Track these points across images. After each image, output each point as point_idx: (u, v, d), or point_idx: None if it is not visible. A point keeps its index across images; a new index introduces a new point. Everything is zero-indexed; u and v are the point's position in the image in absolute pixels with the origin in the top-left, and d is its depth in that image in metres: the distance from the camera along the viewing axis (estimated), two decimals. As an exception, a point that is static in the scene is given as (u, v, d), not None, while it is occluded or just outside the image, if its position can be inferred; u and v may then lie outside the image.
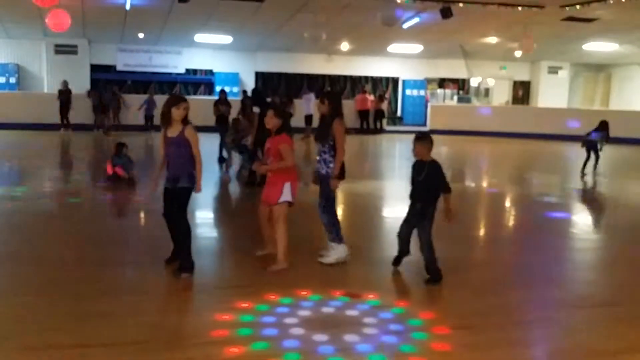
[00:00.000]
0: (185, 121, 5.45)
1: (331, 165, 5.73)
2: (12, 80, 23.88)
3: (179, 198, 5.47)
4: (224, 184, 11.38)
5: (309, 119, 21.21)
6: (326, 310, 4.76)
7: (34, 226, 7.58)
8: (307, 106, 21.47)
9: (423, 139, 5.52)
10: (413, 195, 5.56)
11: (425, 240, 5.49)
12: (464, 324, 4.58)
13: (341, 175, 5.85)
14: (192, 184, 5.49)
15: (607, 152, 13.68)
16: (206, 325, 4.41)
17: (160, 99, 23.50)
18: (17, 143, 17.35)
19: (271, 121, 5.71)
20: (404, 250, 5.75)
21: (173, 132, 5.44)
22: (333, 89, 27.86)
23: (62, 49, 23.90)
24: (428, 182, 5.45)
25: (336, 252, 5.87)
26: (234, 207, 9.92)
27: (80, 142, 18.24)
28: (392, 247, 5.86)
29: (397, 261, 5.82)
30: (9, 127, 20.39)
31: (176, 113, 5.37)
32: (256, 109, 11.24)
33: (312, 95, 21.87)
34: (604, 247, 7.53)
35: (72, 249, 6.36)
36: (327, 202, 5.84)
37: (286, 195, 5.63)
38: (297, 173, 5.86)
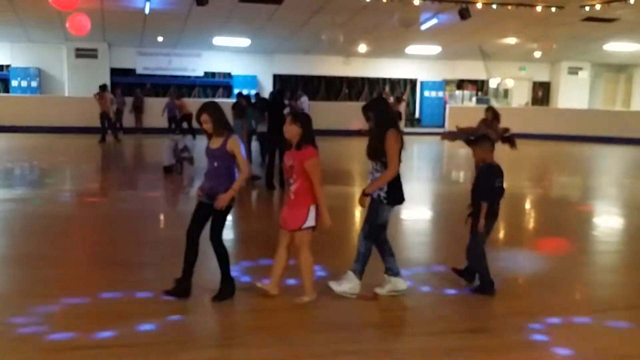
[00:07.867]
0: (221, 129, 4.84)
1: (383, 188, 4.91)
2: (34, 84, 24.14)
3: (214, 216, 4.85)
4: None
5: None
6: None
7: (55, 227, 7.66)
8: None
9: (480, 141, 5.27)
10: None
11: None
12: (480, 327, 4.55)
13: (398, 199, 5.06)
14: (231, 201, 4.84)
15: (630, 153, 13.54)
16: (225, 327, 4.42)
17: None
18: (38, 146, 17.55)
19: (291, 130, 4.80)
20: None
21: (215, 143, 4.86)
22: (351, 91, 27.86)
23: (83, 53, 24.15)
24: (476, 186, 5.26)
25: (349, 284, 5.02)
26: (251, 211, 9.95)
27: (103, 146, 18.39)
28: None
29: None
30: (30, 130, 20.64)
31: (204, 127, 4.87)
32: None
33: (306, 98, 21.42)
34: (625, 249, 7.43)
35: (94, 250, 6.42)
36: (371, 228, 5.00)
37: (311, 220, 4.81)
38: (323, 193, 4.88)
